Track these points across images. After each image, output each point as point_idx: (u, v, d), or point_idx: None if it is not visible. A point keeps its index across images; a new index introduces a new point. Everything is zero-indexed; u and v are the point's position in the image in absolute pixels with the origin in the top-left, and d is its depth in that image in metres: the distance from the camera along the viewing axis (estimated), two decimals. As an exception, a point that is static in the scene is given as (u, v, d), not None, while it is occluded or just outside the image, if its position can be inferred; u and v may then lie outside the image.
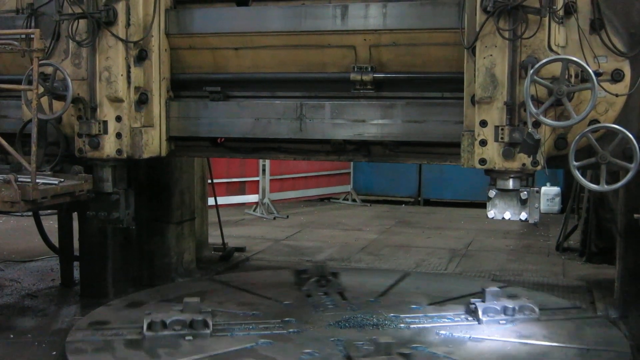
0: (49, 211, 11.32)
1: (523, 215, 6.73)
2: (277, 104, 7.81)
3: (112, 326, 7.47)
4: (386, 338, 6.78)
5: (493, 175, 6.75)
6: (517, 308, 7.77)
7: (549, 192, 17.21)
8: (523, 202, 6.68)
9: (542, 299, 8.60)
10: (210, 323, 7.21)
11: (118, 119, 7.61)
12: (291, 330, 7.42)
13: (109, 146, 7.62)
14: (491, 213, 6.83)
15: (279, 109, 7.78)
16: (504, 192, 6.75)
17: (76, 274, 9.75)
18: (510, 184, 6.68)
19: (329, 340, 7.13)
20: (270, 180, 17.95)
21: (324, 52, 7.58)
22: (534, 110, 6.17)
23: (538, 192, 6.75)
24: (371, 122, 7.50)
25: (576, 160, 6.39)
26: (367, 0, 7.38)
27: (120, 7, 7.46)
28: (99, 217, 7.95)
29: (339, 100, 7.63)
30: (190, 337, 7.07)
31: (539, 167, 6.46)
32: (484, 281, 10.10)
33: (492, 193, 6.76)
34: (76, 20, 7.50)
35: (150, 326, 7.15)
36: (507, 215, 6.77)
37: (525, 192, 6.65)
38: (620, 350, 6.97)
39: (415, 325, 7.63)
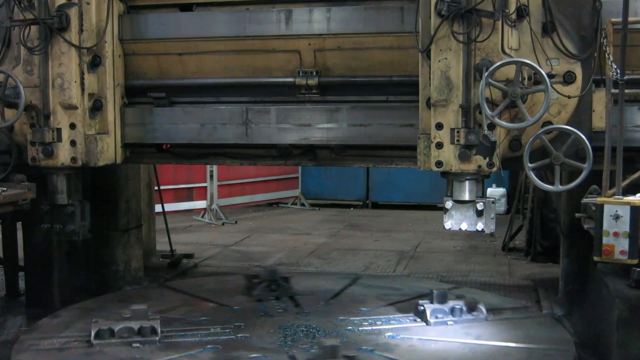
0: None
1: (479, 226, 6.77)
2: (222, 109, 7.81)
3: (60, 335, 7.35)
4: (332, 341, 6.80)
5: (450, 178, 6.78)
6: (464, 309, 7.84)
7: (495, 193, 17.38)
8: (479, 213, 6.73)
9: (489, 299, 8.71)
10: (159, 330, 7.14)
11: (72, 126, 7.49)
12: (240, 335, 7.39)
13: (63, 154, 7.51)
14: (448, 224, 6.83)
15: (224, 114, 7.77)
16: (460, 203, 6.77)
17: (21, 284, 9.59)
18: (467, 194, 6.71)
19: (276, 346, 7.12)
20: (218, 185, 17.87)
21: (268, 57, 7.59)
22: (489, 112, 6.21)
23: (494, 202, 6.81)
24: (317, 126, 7.53)
25: (530, 162, 6.48)
26: (311, 4, 7.42)
27: (73, 13, 7.36)
28: (54, 230, 7.83)
29: (284, 105, 7.66)
30: (139, 345, 7.00)
31: (494, 169, 6.51)
32: (438, 282, 10.17)
33: (448, 204, 6.78)
34: (28, 27, 7.36)
35: (98, 334, 7.06)
36: (464, 226, 6.78)
37: (482, 203, 6.70)
38: (565, 348, 7.08)
39: (363, 328, 7.65)
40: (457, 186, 6.74)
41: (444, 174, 6.75)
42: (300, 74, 7.49)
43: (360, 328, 7.64)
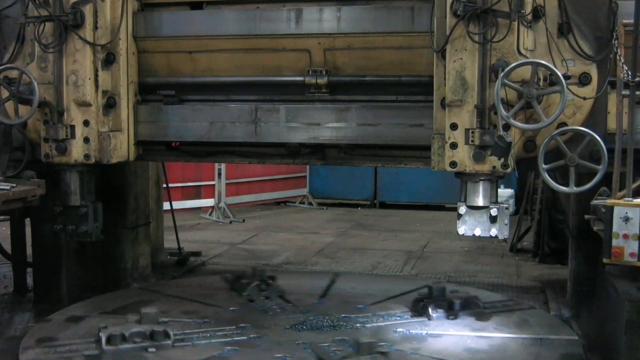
0: (1, 217, 11.19)
1: (493, 232, 6.74)
2: (232, 108, 7.80)
3: (65, 341, 7.15)
4: (366, 338, 6.80)
5: (464, 178, 6.75)
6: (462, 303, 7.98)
7: (503, 195, 17.32)
8: (493, 219, 6.70)
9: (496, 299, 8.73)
10: (172, 333, 6.97)
11: (86, 123, 7.47)
12: (251, 336, 7.29)
13: (77, 151, 7.50)
14: (461, 229, 6.80)
15: (233, 113, 7.77)
16: (474, 208, 6.74)
17: (30, 280, 9.62)
18: (481, 199, 6.68)
19: (295, 344, 7.06)
20: (226, 184, 17.88)
21: (278, 55, 7.58)
22: (504, 113, 6.18)
23: (507, 208, 6.79)
24: (326, 125, 7.52)
25: (545, 163, 6.46)
26: (321, 3, 7.42)
27: (88, 10, 7.35)
28: (67, 231, 7.80)
29: (294, 104, 7.64)
30: (154, 349, 6.80)
31: (509, 170, 6.49)
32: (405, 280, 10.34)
33: (462, 210, 6.75)
34: (42, 23, 7.35)
35: (109, 340, 6.80)
36: (478, 231, 6.76)
37: (495, 209, 6.67)
38: (573, 350, 7.06)
39: (371, 325, 7.65)
40: (471, 189, 6.71)
41: (458, 174, 6.73)
42: (310, 73, 7.48)
43: (367, 325, 7.63)
